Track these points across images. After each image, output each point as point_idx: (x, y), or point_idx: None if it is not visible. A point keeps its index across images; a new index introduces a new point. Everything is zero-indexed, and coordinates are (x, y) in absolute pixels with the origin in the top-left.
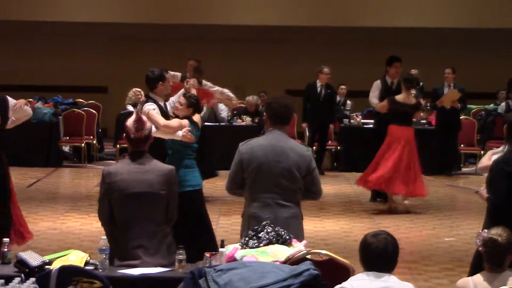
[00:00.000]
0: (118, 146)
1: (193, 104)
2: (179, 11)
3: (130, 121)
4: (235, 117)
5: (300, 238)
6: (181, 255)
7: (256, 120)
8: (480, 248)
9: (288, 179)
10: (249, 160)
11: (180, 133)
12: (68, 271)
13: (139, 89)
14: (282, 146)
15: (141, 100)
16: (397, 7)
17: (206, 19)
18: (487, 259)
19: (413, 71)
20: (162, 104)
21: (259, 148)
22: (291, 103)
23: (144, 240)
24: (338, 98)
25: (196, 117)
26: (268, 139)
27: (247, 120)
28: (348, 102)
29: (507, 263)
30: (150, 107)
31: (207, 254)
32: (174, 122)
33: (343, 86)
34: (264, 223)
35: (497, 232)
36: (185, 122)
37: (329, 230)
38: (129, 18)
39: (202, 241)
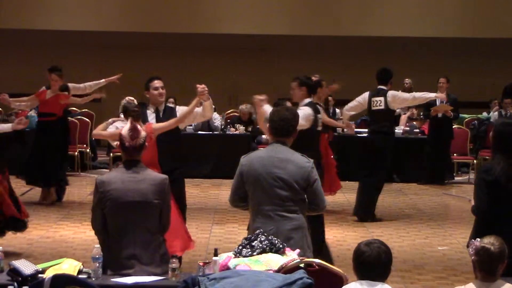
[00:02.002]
0: (111, 154)
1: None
2: (172, 20)
3: (124, 130)
4: (228, 126)
5: (305, 249)
6: (174, 264)
7: (250, 129)
8: (472, 257)
9: (287, 190)
10: (248, 172)
11: None
12: (61, 280)
13: (132, 98)
14: (281, 158)
15: None
16: (391, 16)
17: (199, 28)
18: (479, 268)
19: (407, 80)
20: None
21: (258, 160)
22: (293, 116)
23: (137, 249)
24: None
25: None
26: (268, 151)
27: (240, 129)
28: (337, 110)
29: (499, 272)
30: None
31: (201, 263)
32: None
33: (330, 98)
34: (257, 231)
35: (489, 241)
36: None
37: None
38: (123, 27)
39: None
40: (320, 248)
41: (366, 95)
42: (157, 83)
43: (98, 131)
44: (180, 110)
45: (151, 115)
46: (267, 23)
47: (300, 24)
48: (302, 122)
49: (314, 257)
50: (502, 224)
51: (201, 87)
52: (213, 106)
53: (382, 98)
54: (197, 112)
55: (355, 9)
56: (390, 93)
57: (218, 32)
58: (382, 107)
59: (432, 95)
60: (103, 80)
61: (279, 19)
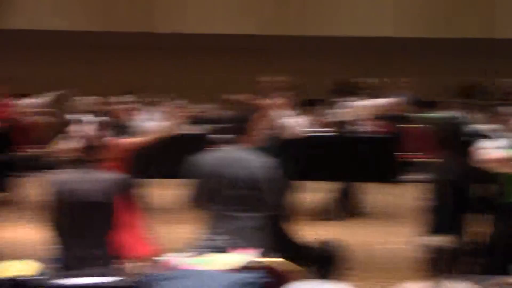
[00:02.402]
0: None
1: None
2: (155, 19)
3: (90, 130)
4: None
5: (263, 249)
6: (128, 264)
7: (207, 129)
8: (424, 255)
9: (247, 190)
10: (204, 172)
11: None
12: (18, 281)
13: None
14: (238, 157)
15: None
16: (351, 16)
17: (172, 27)
18: (430, 266)
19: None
20: None
21: (214, 160)
22: (250, 116)
23: (93, 249)
24: None
25: None
26: (226, 151)
27: (199, 128)
28: None
29: (449, 269)
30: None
31: (151, 263)
32: None
33: None
34: (212, 231)
35: (439, 239)
36: None
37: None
38: (92, 27)
39: None
40: (297, 249)
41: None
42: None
43: None
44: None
45: None
46: (243, 22)
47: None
48: None
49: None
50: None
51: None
52: None
53: (348, 109)
54: None
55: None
56: (355, 103)
57: (192, 32)
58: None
59: (393, 100)
60: None
61: (255, 18)
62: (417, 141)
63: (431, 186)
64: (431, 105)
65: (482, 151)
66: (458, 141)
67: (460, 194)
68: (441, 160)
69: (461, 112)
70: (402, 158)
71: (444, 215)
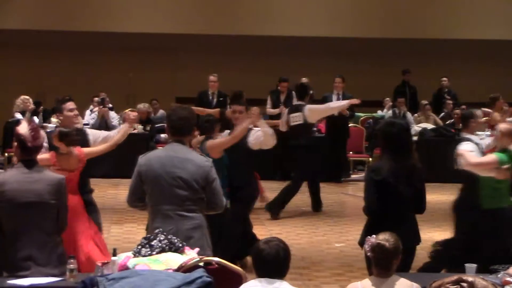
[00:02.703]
0: (6, 154)
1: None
2: (72, 18)
3: (24, 130)
4: None
5: (205, 248)
6: (72, 265)
7: (148, 128)
8: (368, 254)
9: (186, 189)
10: (146, 172)
11: None
12: None
13: (28, 97)
14: (180, 157)
15: (29, 108)
16: (289, 16)
17: (97, 26)
18: (375, 264)
19: (304, 80)
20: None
21: (156, 159)
22: (191, 115)
23: (34, 250)
24: None
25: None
26: (167, 151)
27: (138, 128)
28: None
29: (394, 267)
30: None
31: (99, 263)
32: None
33: None
34: (156, 231)
35: (384, 238)
36: None
37: None
38: (19, 25)
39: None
40: (242, 247)
41: (286, 112)
42: (71, 104)
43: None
44: (92, 134)
45: None
46: (165, 21)
47: (201, 23)
48: None
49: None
50: (391, 223)
51: (132, 114)
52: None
53: (300, 114)
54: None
55: (255, 9)
56: (307, 107)
57: (114, 30)
58: (301, 121)
59: (344, 102)
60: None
61: (178, 18)
62: (360, 141)
63: (368, 186)
64: (371, 105)
65: (467, 154)
66: (396, 141)
67: (390, 194)
68: (378, 160)
69: (400, 111)
70: (347, 157)
71: (376, 215)
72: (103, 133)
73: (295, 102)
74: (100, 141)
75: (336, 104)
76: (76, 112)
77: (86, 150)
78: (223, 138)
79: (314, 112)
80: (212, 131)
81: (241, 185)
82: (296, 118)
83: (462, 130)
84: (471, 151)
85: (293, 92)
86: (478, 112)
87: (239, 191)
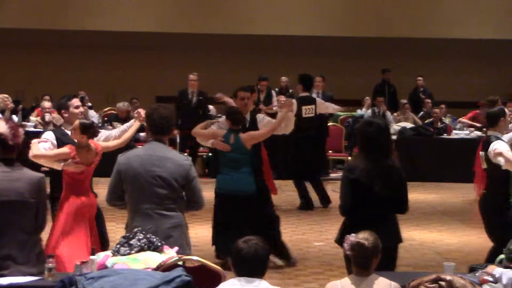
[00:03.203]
0: None
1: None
2: (50, 16)
3: (3, 128)
4: (106, 124)
5: (184, 247)
6: (50, 264)
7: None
8: (347, 252)
9: (166, 188)
10: (126, 170)
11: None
12: None
13: (7, 96)
14: (160, 156)
15: (9, 106)
16: (269, 16)
17: (78, 25)
18: (354, 263)
19: (283, 79)
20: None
21: (136, 158)
22: (171, 114)
23: (13, 250)
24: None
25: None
26: (146, 150)
27: (118, 126)
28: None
29: (373, 266)
30: (42, 137)
31: (78, 262)
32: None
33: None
34: (135, 230)
35: (364, 236)
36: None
37: (201, 236)
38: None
39: None
40: (280, 248)
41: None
42: (76, 101)
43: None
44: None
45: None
46: (146, 21)
47: (181, 22)
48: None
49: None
50: (367, 223)
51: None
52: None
53: (313, 106)
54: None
55: (236, 8)
56: (318, 100)
57: (94, 29)
58: (313, 114)
59: (338, 107)
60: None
61: (159, 17)
62: (340, 140)
63: (343, 185)
64: (351, 104)
65: (507, 153)
66: (372, 140)
67: (364, 193)
68: (354, 159)
69: (379, 110)
70: (327, 156)
71: (350, 214)
72: (104, 133)
73: (302, 94)
74: (103, 140)
75: (335, 108)
76: (81, 109)
77: (102, 144)
78: (263, 129)
79: (320, 107)
80: (241, 122)
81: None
82: (309, 111)
83: (489, 129)
84: (508, 150)
85: (272, 90)
86: (506, 110)
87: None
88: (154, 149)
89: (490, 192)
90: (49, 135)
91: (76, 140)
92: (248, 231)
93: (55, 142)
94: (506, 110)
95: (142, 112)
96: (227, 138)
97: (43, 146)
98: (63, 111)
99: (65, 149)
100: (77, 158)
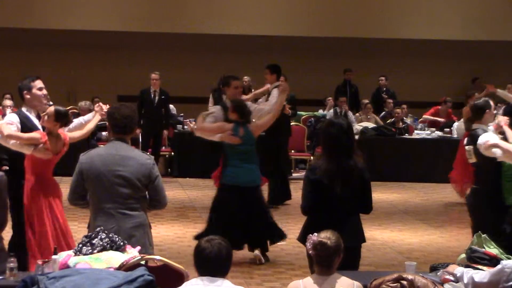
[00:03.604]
0: None
1: (238, 109)
2: (9, 14)
3: None
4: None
5: (147, 247)
6: (12, 263)
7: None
8: (310, 252)
9: (128, 188)
10: (88, 170)
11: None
12: None
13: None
14: (122, 155)
15: None
16: (231, 15)
17: (39, 23)
18: (316, 262)
19: (246, 78)
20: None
21: (98, 158)
22: (133, 113)
23: None
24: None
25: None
26: (108, 149)
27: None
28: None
29: (335, 265)
30: (6, 119)
31: (40, 262)
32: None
33: None
34: (98, 229)
35: (326, 236)
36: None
37: (163, 235)
38: None
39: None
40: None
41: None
42: (40, 83)
43: None
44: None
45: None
46: (108, 19)
47: (143, 21)
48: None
49: None
50: (328, 222)
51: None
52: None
53: None
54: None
55: (196, 7)
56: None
57: (55, 27)
58: None
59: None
60: None
61: (120, 15)
62: (302, 139)
63: (304, 185)
64: (313, 104)
65: (501, 143)
66: (334, 141)
67: (325, 193)
68: (317, 160)
69: (341, 110)
70: (289, 155)
71: (311, 213)
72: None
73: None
74: (72, 128)
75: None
76: (45, 91)
77: (68, 134)
78: (266, 117)
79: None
80: (250, 114)
81: None
82: None
83: (474, 122)
84: (502, 141)
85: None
86: (491, 102)
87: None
88: (116, 148)
89: (481, 187)
90: (13, 118)
91: (46, 127)
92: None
93: (19, 125)
94: (491, 103)
95: (103, 106)
96: (236, 131)
97: (11, 129)
98: (25, 91)
99: (37, 134)
100: (48, 145)
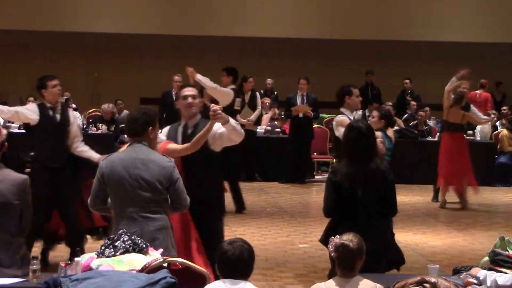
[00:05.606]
0: None
1: (385, 117)
2: (34, 17)
3: None
4: (90, 125)
5: (170, 249)
6: (35, 266)
7: (112, 129)
8: (332, 254)
9: (149, 191)
10: (109, 174)
11: None
12: None
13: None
14: (142, 159)
15: None
16: (254, 17)
17: (63, 26)
18: (339, 264)
19: (269, 81)
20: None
21: (119, 162)
22: (143, 115)
23: None
24: None
25: (390, 131)
26: (128, 152)
27: (102, 128)
28: None
29: (358, 268)
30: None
31: (62, 264)
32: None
33: None
34: (120, 231)
35: (348, 238)
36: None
37: None
38: None
39: None
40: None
41: None
42: (55, 81)
43: None
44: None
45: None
46: (131, 22)
47: (165, 23)
48: None
49: None
50: (351, 225)
51: (212, 108)
52: (238, 125)
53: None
54: (223, 135)
55: (220, 10)
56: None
57: (79, 30)
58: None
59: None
60: None
61: (143, 18)
62: (324, 142)
63: (326, 187)
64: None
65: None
66: (353, 145)
67: (346, 196)
68: (339, 163)
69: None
70: (312, 158)
71: (333, 216)
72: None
73: (231, 86)
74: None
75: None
76: (59, 88)
77: (170, 146)
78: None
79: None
80: None
81: None
82: (239, 103)
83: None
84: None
85: (257, 92)
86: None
87: None
88: (137, 151)
89: None
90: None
91: None
92: None
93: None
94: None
95: (212, 109)
96: (384, 139)
97: None
98: (43, 90)
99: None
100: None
